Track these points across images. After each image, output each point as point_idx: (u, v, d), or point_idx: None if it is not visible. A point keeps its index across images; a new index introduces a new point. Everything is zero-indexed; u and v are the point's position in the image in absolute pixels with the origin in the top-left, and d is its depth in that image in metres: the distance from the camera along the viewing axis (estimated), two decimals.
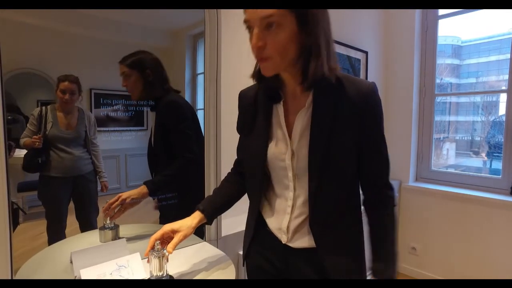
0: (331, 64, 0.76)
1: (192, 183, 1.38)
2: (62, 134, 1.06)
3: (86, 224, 1.17)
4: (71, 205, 1.16)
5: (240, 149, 1.02)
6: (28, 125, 0.99)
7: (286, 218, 0.85)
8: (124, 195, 1.16)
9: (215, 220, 1.05)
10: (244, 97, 0.94)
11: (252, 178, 0.92)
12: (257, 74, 0.83)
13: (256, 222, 0.92)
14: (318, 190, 0.79)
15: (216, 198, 1.00)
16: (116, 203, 1.14)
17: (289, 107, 0.84)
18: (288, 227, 0.85)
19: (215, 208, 0.98)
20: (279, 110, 0.85)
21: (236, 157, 1.07)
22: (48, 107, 1.02)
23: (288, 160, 0.82)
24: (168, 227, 0.90)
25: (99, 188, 1.19)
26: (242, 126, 0.94)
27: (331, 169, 0.78)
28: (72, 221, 1.15)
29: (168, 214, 1.33)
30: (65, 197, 1.12)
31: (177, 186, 1.36)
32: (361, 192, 0.89)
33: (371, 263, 0.86)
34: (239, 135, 1.01)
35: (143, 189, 1.21)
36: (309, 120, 0.80)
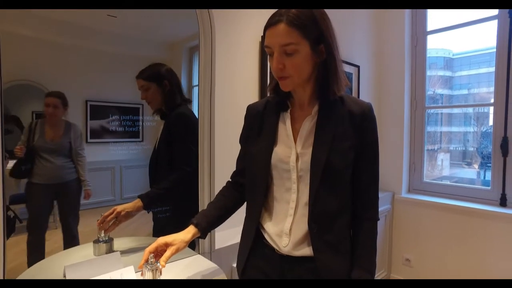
0: (343, 83, 0.88)
1: (187, 196, 1.39)
2: (46, 144, 1.12)
3: (67, 231, 1.16)
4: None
5: (241, 157, 1.05)
6: (22, 136, 1.07)
7: (289, 221, 0.89)
8: (119, 208, 1.17)
9: (209, 233, 1.06)
10: (252, 109, 1.01)
11: (254, 185, 0.95)
12: (273, 87, 0.94)
13: (255, 233, 0.94)
14: (318, 191, 0.85)
15: (210, 212, 1.01)
16: (111, 216, 1.14)
17: (295, 115, 0.93)
18: (290, 229, 0.88)
19: (209, 222, 0.99)
20: (286, 117, 0.93)
21: (232, 169, 1.09)
22: (39, 120, 1.09)
23: (293, 162, 0.87)
24: (162, 240, 0.91)
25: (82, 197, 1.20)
26: (248, 135, 0.99)
27: (331, 172, 0.84)
28: (59, 236, 1.14)
29: (162, 227, 1.33)
30: (47, 204, 1.14)
31: (172, 199, 1.36)
32: None
33: (351, 271, 0.89)
34: (240, 147, 1.05)
35: (138, 202, 1.22)
36: (314, 126, 0.89)
